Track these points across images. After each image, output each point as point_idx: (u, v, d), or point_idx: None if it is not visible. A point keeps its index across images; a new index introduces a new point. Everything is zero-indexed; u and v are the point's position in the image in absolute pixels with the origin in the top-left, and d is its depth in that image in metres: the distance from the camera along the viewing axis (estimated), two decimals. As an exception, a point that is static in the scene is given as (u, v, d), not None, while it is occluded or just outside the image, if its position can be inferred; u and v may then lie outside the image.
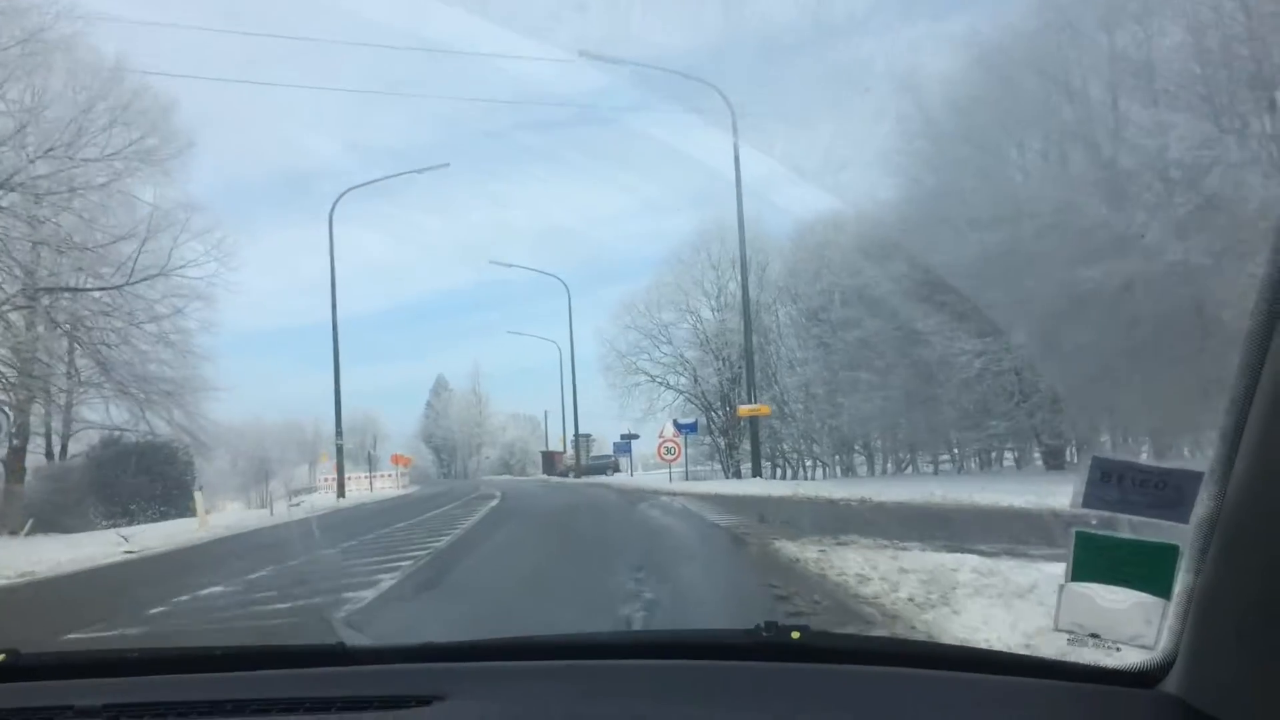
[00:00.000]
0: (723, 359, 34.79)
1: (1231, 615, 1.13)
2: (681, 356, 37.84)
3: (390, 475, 49.43)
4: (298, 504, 28.85)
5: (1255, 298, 0.98)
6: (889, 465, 31.09)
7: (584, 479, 46.28)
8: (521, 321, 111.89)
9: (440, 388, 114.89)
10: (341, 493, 33.39)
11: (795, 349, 31.27)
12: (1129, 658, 1.38)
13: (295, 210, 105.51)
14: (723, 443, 34.77)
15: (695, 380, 36.42)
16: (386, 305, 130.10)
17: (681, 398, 38.89)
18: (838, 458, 32.76)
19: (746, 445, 31.33)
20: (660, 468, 36.86)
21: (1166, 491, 1.24)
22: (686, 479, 32.33)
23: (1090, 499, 1.30)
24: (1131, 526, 1.30)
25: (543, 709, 1.48)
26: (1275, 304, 0.94)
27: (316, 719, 1.44)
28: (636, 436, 50.75)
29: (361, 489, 44.10)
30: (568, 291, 50.27)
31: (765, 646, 1.59)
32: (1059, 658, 1.52)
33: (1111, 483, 1.29)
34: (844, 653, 1.63)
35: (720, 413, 34.67)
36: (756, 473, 28.98)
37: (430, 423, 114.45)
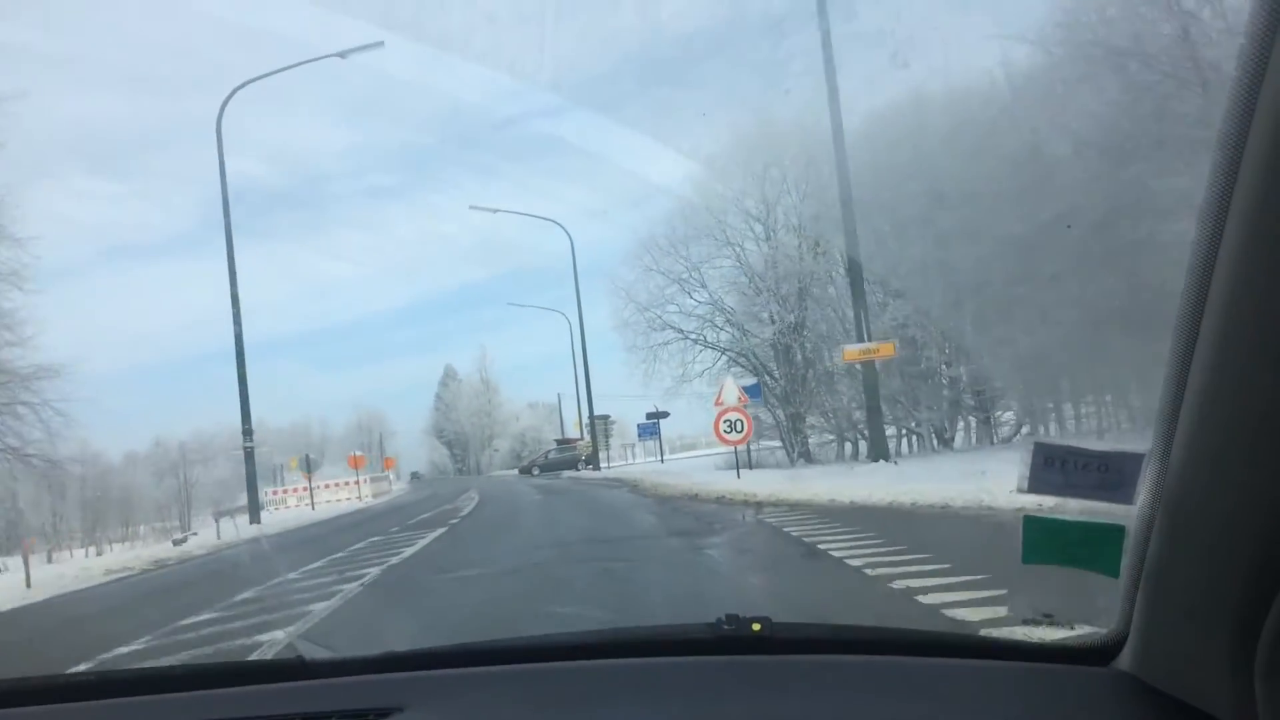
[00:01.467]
0: (780, 299, 27.53)
1: (1175, 595, 1.20)
2: (720, 304, 30.46)
3: (348, 483, 43.32)
4: (183, 540, 24.01)
5: (1185, 279, 1.02)
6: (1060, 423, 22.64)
7: (569, 476, 42.05)
8: (533, 313, 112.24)
9: (449, 378, 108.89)
10: (256, 518, 27.86)
11: (899, 270, 22.38)
12: (1083, 636, 1.45)
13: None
14: (783, 414, 27.83)
15: (742, 333, 29.35)
16: (398, 304, 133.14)
17: (724, 358, 31.15)
18: (970, 420, 25.59)
19: (813, 418, 25.93)
20: (692, 448, 34.55)
21: (1109, 474, 1.28)
22: (743, 469, 23.64)
23: (1035, 484, 1.32)
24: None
25: (503, 715, 1.50)
26: (1204, 286, 0.98)
27: None
28: (665, 414, 43.95)
29: (324, 501, 40.06)
30: (570, 239, 43.88)
31: (727, 640, 1.61)
32: (1016, 639, 1.68)
33: (1055, 467, 1.31)
34: (806, 643, 1.69)
35: (780, 374, 28.07)
36: (881, 454, 21.01)
37: (440, 416, 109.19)
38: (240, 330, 25.04)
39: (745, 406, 18.62)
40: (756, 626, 1.59)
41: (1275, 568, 0.98)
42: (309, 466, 32.39)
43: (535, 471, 51.86)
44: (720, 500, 15.47)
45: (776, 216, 26.13)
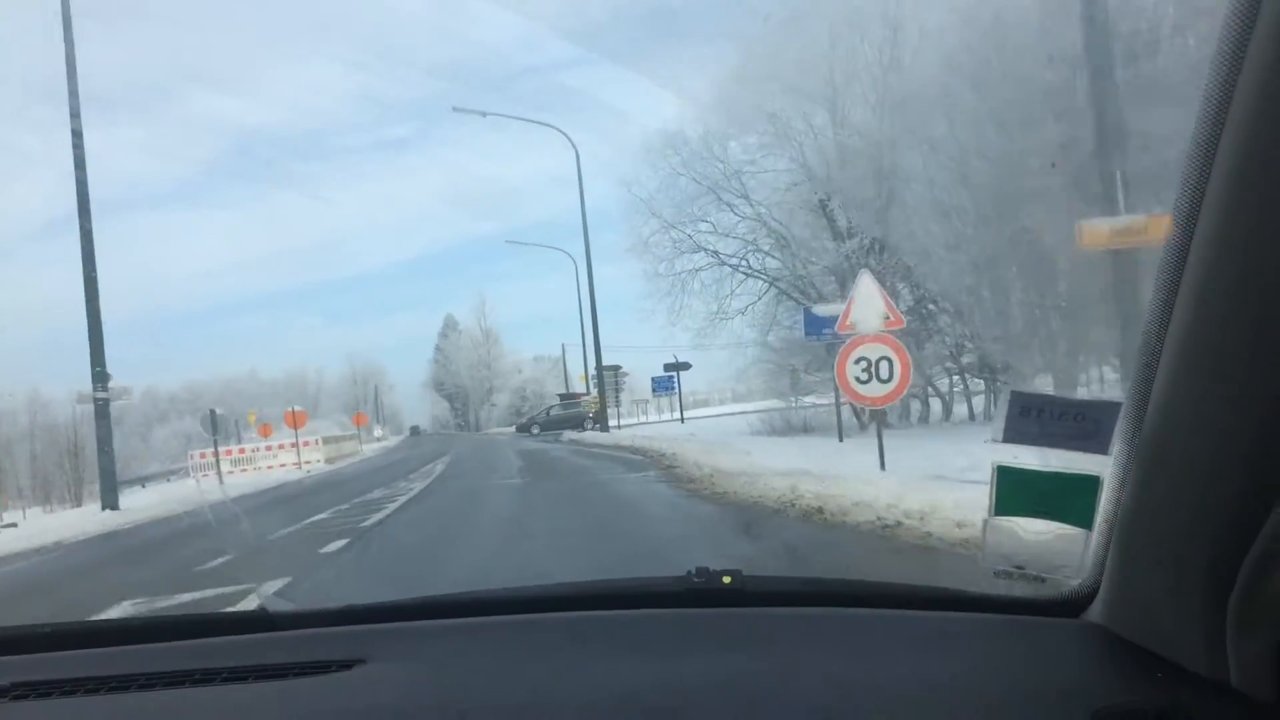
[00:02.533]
0: (854, 207, 19.96)
1: (1149, 545, 1.21)
2: (768, 218, 22.51)
3: (306, 443, 36.26)
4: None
5: (1167, 230, 1.02)
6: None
7: (571, 439, 34.25)
8: (538, 279, 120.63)
9: (449, 329, 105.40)
10: (111, 501, 19.48)
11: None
12: (1054, 588, 1.46)
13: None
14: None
15: (797, 256, 21.77)
16: (405, 257, 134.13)
17: (772, 290, 23.53)
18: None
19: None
20: (704, 404, 34.55)
21: (1085, 423, 1.29)
22: (784, 433, 20.18)
23: (1010, 433, 1.34)
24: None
25: (467, 667, 1.48)
26: (1186, 238, 0.99)
27: (233, 689, 1.42)
28: (687, 366, 39.28)
29: (265, 467, 34.05)
30: (573, 147, 34.24)
31: (697, 592, 1.61)
32: (987, 591, 1.61)
33: (1031, 417, 1.34)
34: (775, 595, 1.68)
35: None
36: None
37: (440, 368, 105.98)
38: (88, 225, 17.24)
39: (890, 337, 10.76)
40: (727, 579, 1.60)
41: (1250, 518, 0.99)
42: (214, 427, 24.68)
43: (534, 430, 47.32)
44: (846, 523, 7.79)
45: (848, 103, 20.10)
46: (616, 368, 37.08)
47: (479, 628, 1.64)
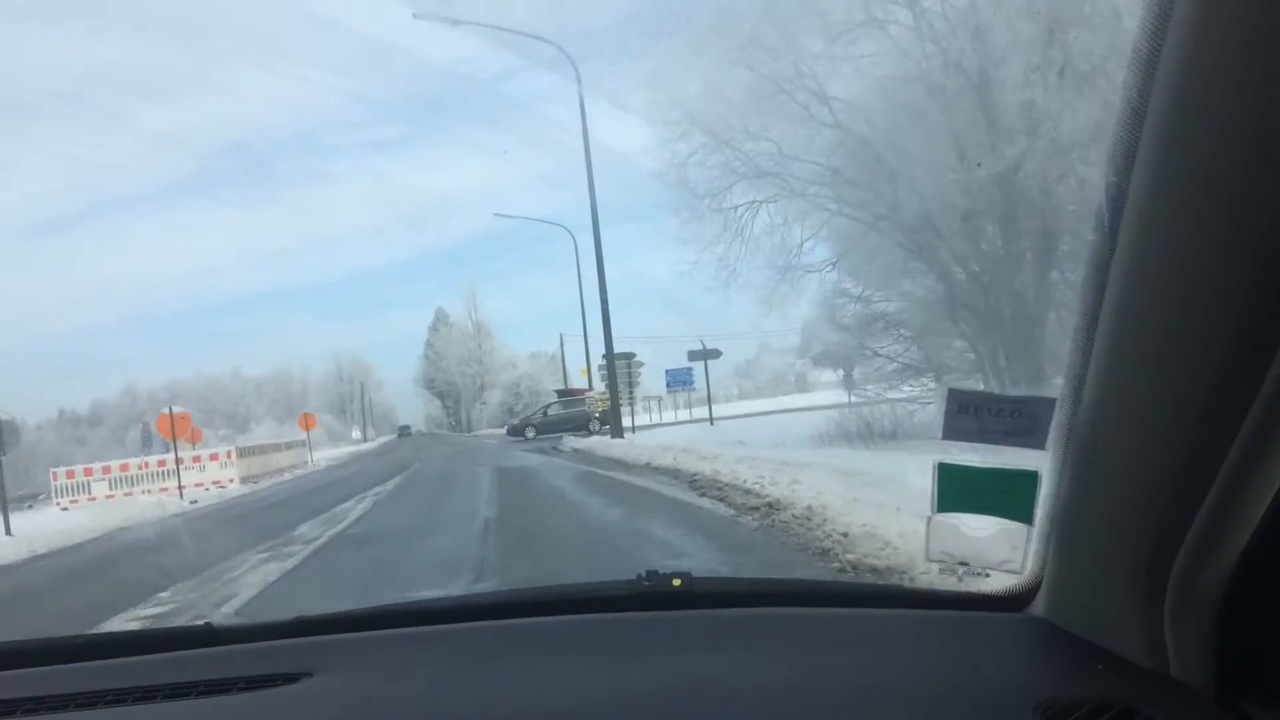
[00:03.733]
0: (986, 113, 13.83)
1: (1087, 538, 1.28)
2: (856, 132, 15.15)
3: (213, 458, 28.00)
4: None
5: (1095, 217, 1.08)
6: None
7: (575, 450, 25.09)
8: (535, 266, 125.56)
9: (440, 322, 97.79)
10: None
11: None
12: (997, 583, 1.52)
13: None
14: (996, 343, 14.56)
15: (896, 181, 14.48)
16: (399, 256, 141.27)
17: (861, 229, 16.24)
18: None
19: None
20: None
21: (1022, 419, 1.34)
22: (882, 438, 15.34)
23: (950, 430, 1.38)
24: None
25: (417, 676, 1.49)
26: (1114, 226, 1.03)
27: (174, 705, 1.42)
28: (716, 353, 33.97)
29: (106, 501, 24.22)
30: (574, 68, 25.26)
31: (647, 596, 1.67)
32: (932, 588, 1.72)
33: (969, 414, 1.37)
34: (724, 596, 1.76)
35: (979, 263, 14.87)
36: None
37: (430, 365, 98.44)
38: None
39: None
40: (676, 582, 1.65)
41: (1184, 510, 1.03)
42: (148, 442, 18.02)
43: (529, 434, 41.22)
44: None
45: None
46: (630, 356, 29.35)
47: (429, 637, 1.66)
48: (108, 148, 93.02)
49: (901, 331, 16.28)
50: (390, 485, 18.25)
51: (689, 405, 40.12)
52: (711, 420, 30.69)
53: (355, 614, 1.74)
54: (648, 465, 16.17)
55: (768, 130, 15.88)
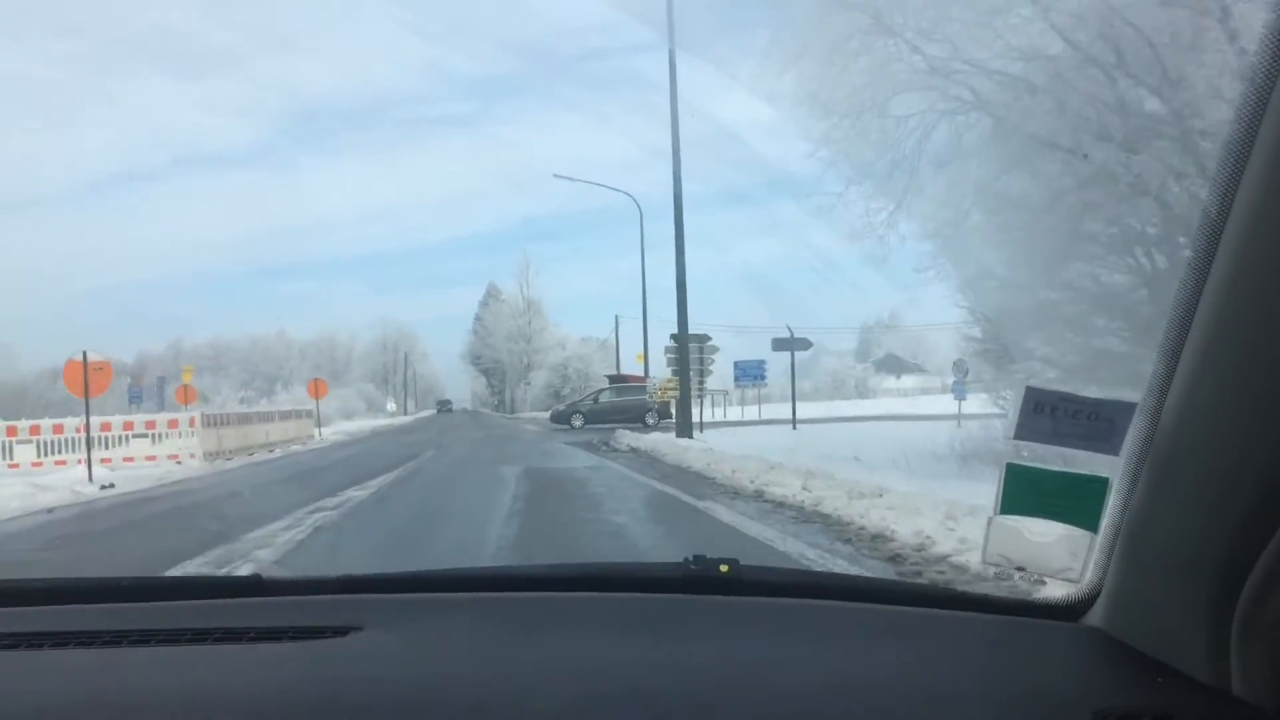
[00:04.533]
0: None
1: (1156, 549, 1.26)
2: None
3: (183, 424, 22.16)
4: None
5: (1195, 227, 1.08)
6: None
7: (633, 448, 20.83)
8: (600, 247, 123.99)
9: (491, 297, 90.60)
10: None
11: None
12: (1054, 591, 1.51)
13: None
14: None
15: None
16: (458, 233, 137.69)
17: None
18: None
19: None
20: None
21: (1099, 423, 1.29)
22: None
23: (1023, 430, 1.34)
24: (1064, 459, 1.36)
25: (462, 639, 1.53)
26: (1217, 231, 1.03)
27: (227, 649, 1.48)
28: (806, 344, 29.55)
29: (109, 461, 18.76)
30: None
31: (694, 579, 1.69)
32: (986, 591, 1.77)
33: (1045, 414, 1.32)
34: (771, 586, 1.75)
35: None
36: None
37: (478, 340, 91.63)
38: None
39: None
40: (724, 568, 1.67)
41: (1262, 524, 1.04)
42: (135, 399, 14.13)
43: (576, 422, 37.04)
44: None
45: None
46: (704, 339, 23.56)
47: (475, 602, 1.72)
48: (182, 108, 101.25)
49: (1064, 330, 12.38)
50: (376, 484, 14.23)
51: (757, 402, 37.95)
52: (795, 423, 24.76)
53: (401, 576, 1.82)
54: (758, 494, 11.25)
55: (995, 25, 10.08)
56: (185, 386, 28.82)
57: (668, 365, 27.44)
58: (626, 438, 23.36)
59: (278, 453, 26.12)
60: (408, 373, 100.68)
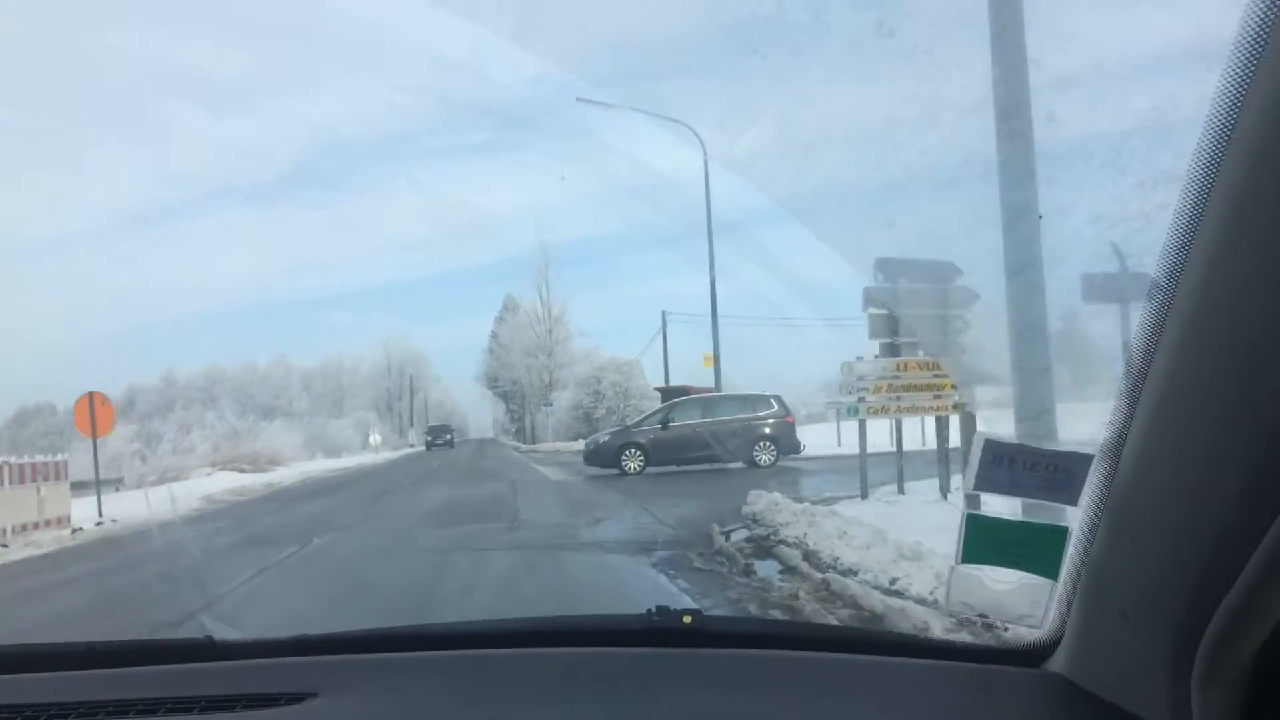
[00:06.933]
0: None
1: (1116, 597, 1.29)
2: None
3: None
4: None
5: (1152, 278, 1.12)
6: None
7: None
8: (625, 270, 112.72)
9: (508, 310, 74.49)
10: None
11: None
12: (1016, 637, 1.53)
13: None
14: None
15: None
16: (484, 262, 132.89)
17: None
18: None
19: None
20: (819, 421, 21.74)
21: (1057, 474, 1.28)
22: None
23: (982, 482, 1.34)
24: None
25: (424, 702, 1.50)
26: (1171, 289, 1.07)
27: None
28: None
29: None
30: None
31: (658, 631, 1.66)
32: (948, 638, 1.97)
33: (1003, 465, 1.31)
34: (735, 636, 1.74)
35: None
36: None
37: (494, 360, 75.68)
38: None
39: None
40: (687, 619, 1.66)
41: (1221, 573, 1.06)
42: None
43: (632, 464, 20.66)
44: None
45: None
46: (949, 268, 7.55)
47: (436, 662, 1.68)
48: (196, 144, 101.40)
49: None
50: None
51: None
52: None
53: (360, 634, 1.78)
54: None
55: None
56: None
57: (875, 332, 11.45)
58: (822, 519, 9.05)
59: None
60: (414, 399, 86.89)
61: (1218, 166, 0.92)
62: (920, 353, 11.55)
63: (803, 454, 21.39)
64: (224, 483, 29.36)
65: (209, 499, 23.38)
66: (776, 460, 20.23)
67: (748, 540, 9.61)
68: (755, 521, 10.61)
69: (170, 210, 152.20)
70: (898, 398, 11.71)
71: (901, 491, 11.71)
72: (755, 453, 20.52)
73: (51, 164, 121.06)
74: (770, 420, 21.11)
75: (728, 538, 9.69)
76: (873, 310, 11.44)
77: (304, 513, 17.43)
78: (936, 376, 11.57)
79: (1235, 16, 0.87)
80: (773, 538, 9.39)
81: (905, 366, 11.85)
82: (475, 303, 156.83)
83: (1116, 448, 1.16)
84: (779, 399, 22.15)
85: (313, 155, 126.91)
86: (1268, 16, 0.84)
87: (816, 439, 23.86)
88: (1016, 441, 1.28)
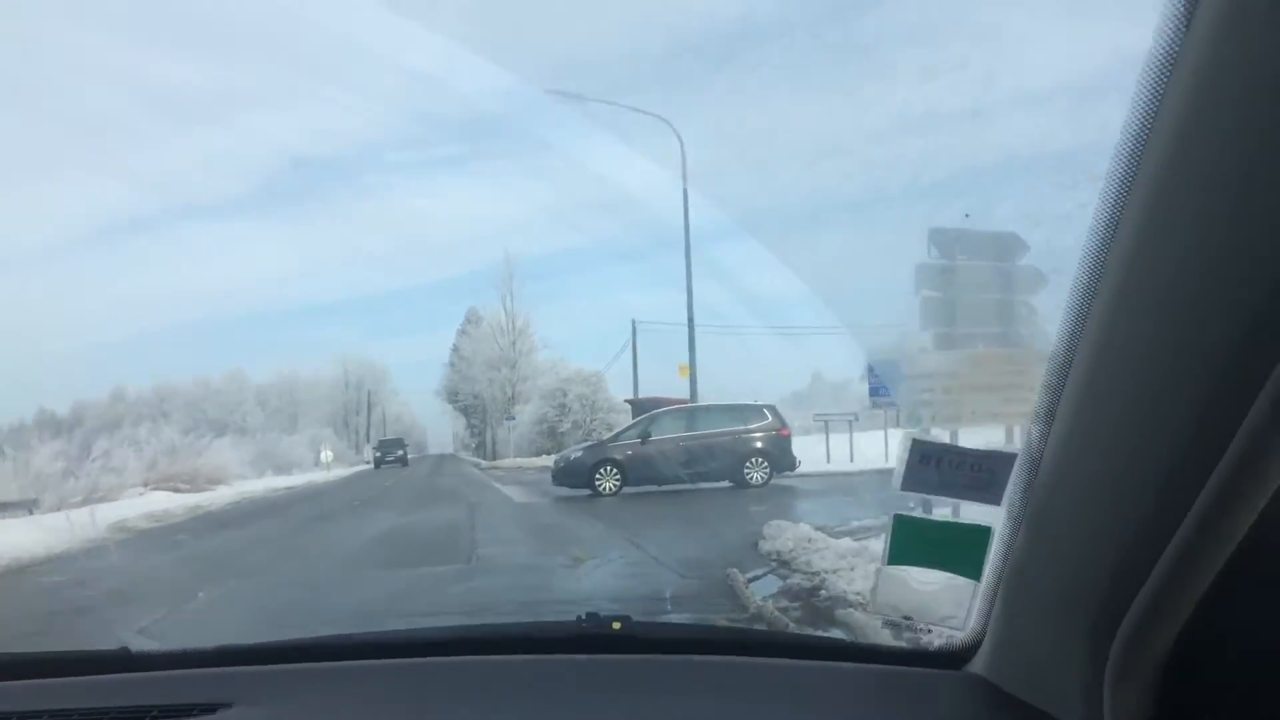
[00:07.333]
0: None
1: (1035, 596, 1.33)
2: None
3: None
4: None
5: (1072, 277, 1.17)
6: None
7: None
8: (589, 284, 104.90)
9: (470, 323, 71.10)
10: None
11: None
12: (939, 639, 1.57)
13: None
14: None
15: None
16: (448, 275, 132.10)
17: None
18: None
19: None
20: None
21: (981, 474, 1.31)
22: None
23: (910, 481, 1.36)
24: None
25: (335, 712, 1.50)
26: (1090, 291, 1.10)
27: None
28: None
29: None
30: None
31: (587, 638, 1.68)
32: (874, 642, 1.84)
33: (930, 465, 1.33)
34: (664, 642, 1.76)
35: None
36: None
37: (456, 374, 72.06)
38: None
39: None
40: (616, 625, 1.67)
41: (1135, 572, 1.10)
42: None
43: (606, 483, 17.96)
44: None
45: None
46: (1015, 240, 5.48)
47: (357, 672, 1.65)
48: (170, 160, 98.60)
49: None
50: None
51: (884, 426, 21.23)
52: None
53: (279, 645, 1.76)
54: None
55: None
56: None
57: (928, 321, 9.08)
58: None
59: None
60: (371, 414, 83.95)
61: (1135, 169, 0.93)
62: (980, 346, 8.02)
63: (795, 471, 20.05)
64: (151, 505, 25.49)
65: (119, 526, 18.80)
66: (770, 479, 18.02)
67: (784, 592, 7.22)
68: (782, 563, 8.25)
69: (129, 224, 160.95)
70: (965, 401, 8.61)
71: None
72: (746, 470, 18.25)
73: (2, 179, 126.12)
74: (762, 433, 18.87)
75: (747, 585, 7.33)
76: (926, 292, 8.30)
77: (212, 548, 14.77)
78: (1017, 374, 7.43)
79: (1147, 39, 0.88)
80: (822, 592, 6.94)
81: (982, 360, 8.25)
82: (437, 317, 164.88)
83: (1037, 451, 1.17)
84: (773, 409, 20.00)
85: (275, 169, 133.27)
86: (1176, 38, 0.86)
87: (800, 454, 20.73)
88: (944, 442, 1.30)
